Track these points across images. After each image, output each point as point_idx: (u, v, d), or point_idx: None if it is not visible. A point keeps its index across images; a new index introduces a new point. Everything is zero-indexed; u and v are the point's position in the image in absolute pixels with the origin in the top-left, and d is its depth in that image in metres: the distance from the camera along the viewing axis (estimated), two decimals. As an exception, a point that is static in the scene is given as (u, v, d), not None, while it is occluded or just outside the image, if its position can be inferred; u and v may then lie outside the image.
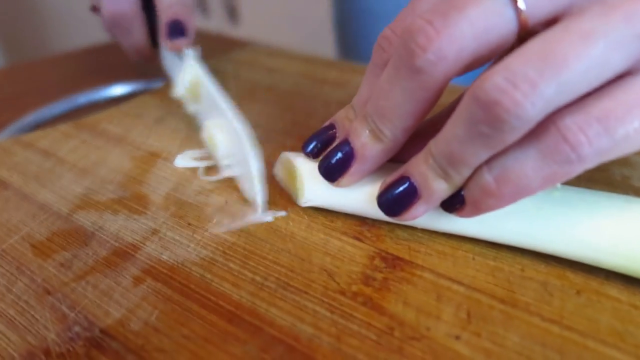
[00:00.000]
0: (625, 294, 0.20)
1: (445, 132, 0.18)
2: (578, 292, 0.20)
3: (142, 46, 0.41)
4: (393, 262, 0.22)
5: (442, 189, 0.20)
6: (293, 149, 0.31)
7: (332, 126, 0.24)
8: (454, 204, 0.20)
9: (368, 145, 0.21)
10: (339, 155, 0.22)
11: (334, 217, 0.25)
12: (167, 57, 0.39)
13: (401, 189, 0.20)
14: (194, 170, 0.29)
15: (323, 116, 0.36)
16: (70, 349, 0.18)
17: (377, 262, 0.22)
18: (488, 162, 0.18)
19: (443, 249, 0.23)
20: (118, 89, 0.44)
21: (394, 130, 0.20)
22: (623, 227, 0.20)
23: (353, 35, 0.67)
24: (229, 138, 0.27)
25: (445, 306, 0.20)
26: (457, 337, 0.18)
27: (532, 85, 0.15)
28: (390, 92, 0.19)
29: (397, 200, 0.21)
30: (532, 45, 0.16)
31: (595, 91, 0.17)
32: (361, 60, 0.57)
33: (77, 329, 0.19)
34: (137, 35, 0.40)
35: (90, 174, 0.29)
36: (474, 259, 0.22)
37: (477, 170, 0.19)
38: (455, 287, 0.21)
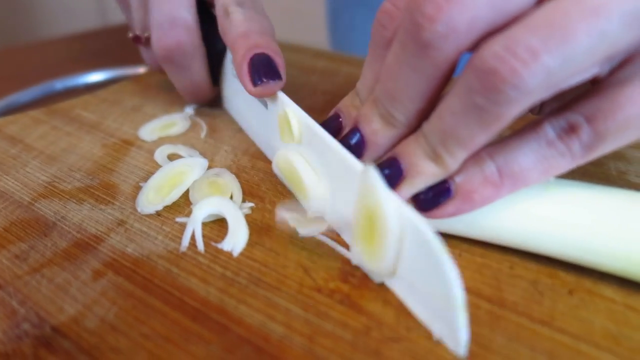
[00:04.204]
0: (620, 294, 0.19)
1: (439, 107, 0.17)
2: (570, 292, 0.19)
3: (200, 86, 0.31)
4: (374, 257, 0.21)
5: (430, 171, 0.18)
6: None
7: (337, 115, 0.23)
8: (437, 197, 0.19)
9: (379, 131, 0.20)
10: (349, 144, 0.20)
11: (314, 210, 0.23)
12: (235, 96, 0.30)
13: (387, 171, 0.19)
14: (169, 158, 0.28)
15: (309, 105, 0.35)
16: (16, 348, 0.16)
17: (357, 257, 0.21)
18: (488, 151, 0.18)
19: (428, 245, 0.21)
20: (97, 76, 0.42)
21: (406, 113, 0.19)
22: (620, 226, 0.18)
23: (346, 28, 0.65)
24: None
25: (428, 305, 0.18)
26: (439, 339, 0.17)
27: (532, 54, 0.14)
28: (398, 73, 0.18)
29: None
30: (538, 14, 0.15)
31: (593, 82, 0.16)
32: (354, 53, 0.56)
33: (26, 326, 0.17)
34: (197, 72, 0.30)
35: (57, 162, 0.27)
36: (460, 255, 0.21)
37: (476, 159, 0.18)
38: (439, 284, 0.19)
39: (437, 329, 0.17)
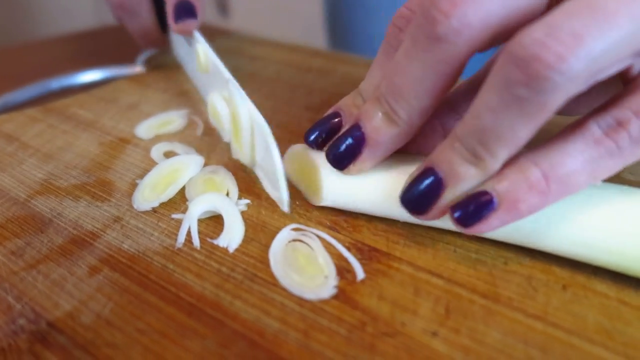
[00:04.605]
0: (614, 290, 0.19)
1: (474, 106, 0.16)
2: (564, 287, 0.19)
3: (150, 30, 0.38)
4: (369, 253, 0.21)
5: (471, 174, 0.17)
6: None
7: (336, 114, 0.22)
8: (480, 211, 0.17)
9: (381, 129, 0.19)
10: (349, 140, 0.20)
11: (310, 207, 0.23)
12: (177, 42, 0.37)
13: (426, 182, 0.18)
14: (166, 155, 0.28)
15: (304, 104, 0.35)
16: (12, 343, 0.17)
17: (352, 253, 0.21)
18: (529, 157, 0.17)
19: (423, 241, 0.21)
20: (93, 75, 0.42)
21: (410, 111, 0.18)
22: (614, 220, 0.18)
23: (344, 29, 0.65)
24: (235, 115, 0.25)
25: (422, 300, 0.18)
26: (434, 334, 0.17)
27: (577, 38, 0.14)
28: (407, 67, 0.17)
29: (421, 196, 0.18)
30: (575, 1, 0.14)
31: (624, 82, 0.16)
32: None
33: (22, 321, 0.17)
34: (145, 18, 0.37)
35: (53, 159, 0.27)
36: (455, 251, 0.21)
37: (517, 166, 0.17)
38: (434, 280, 0.19)
39: (275, 196, 0.23)
